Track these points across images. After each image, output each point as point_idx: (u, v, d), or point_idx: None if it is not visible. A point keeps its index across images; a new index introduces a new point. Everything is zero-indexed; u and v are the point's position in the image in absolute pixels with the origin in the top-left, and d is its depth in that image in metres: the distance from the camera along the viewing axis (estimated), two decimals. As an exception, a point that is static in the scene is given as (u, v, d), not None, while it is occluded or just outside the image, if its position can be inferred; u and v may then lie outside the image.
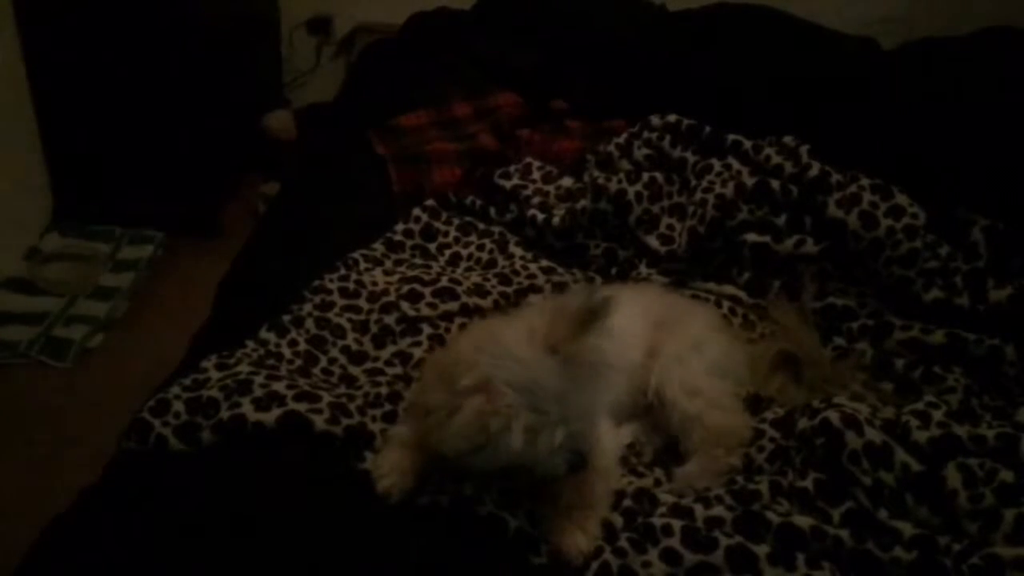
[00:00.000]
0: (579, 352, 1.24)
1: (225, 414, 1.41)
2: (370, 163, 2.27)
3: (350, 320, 1.72)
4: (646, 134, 2.13)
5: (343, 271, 1.84)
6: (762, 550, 1.29)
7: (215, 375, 1.50)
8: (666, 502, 1.41)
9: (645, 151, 2.10)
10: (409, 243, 2.00)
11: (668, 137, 2.10)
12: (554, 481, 1.33)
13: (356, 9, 3.49)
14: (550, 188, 2.13)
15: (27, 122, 2.88)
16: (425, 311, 1.75)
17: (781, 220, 1.92)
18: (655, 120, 2.14)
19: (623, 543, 1.32)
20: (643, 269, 1.98)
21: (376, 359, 1.67)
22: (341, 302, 1.75)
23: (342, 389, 1.56)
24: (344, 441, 1.42)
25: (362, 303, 1.76)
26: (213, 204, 3.14)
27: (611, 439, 1.46)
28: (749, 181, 1.94)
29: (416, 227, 2.03)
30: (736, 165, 2.01)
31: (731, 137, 2.06)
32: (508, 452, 1.19)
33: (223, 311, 1.83)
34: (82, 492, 1.36)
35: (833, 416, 1.44)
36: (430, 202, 2.10)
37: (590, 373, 1.25)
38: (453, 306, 1.77)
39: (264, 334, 1.66)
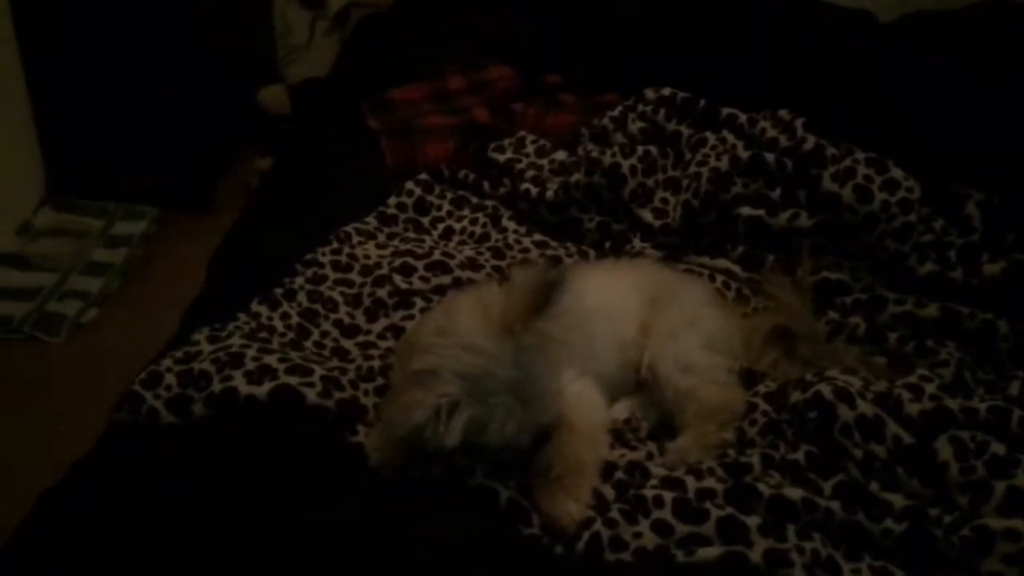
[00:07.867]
0: (533, 337, 1.24)
1: (217, 387, 1.41)
2: (363, 137, 2.26)
3: (342, 293, 1.72)
4: (640, 107, 2.11)
5: (336, 244, 1.83)
6: (753, 521, 1.30)
7: (207, 348, 1.50)
8: (658, 474, 1.41)
9: (639, 124, 2.09)
10: (402, 217, 2.00)
11: (663, 110, 2.08)
12: (531, 452, 1.34)
13: (350, -17, 3.45)
14: (544, 162, 2.11)
15: (20, 97, 2.86)
16: (418, 285, 1.74)
17: (775, 194, 1.91)
18: (650, 93, 2.12)
19: (614, 514, 1.32)
20: (637, 243, 1.97)
21: (368, 332, 1.67)
22: (334, 275, 1.75)
23: (334, 362, 1.56)
24: (336, 415, 1.42)
25: (355, 276, 1.76)
26: (207, 179, 3.12)
27: (598, 408, 1.46)
28: (744, 154, 1.92)
29: (409, 200, 2.03)
30: (731, 138, 1.99)
31: (726, 110, 2.04)
32: (451, 441, 1.20)
33: (215, 284, 1.82)
34: (73, 464, 1.36)
35: (825, 389, 1.44)
36: (423, 176, 2.09)
37: (545, 357, 1.26)
38: (446, 280, 1.76)
39: (256, 307, 1.66)
